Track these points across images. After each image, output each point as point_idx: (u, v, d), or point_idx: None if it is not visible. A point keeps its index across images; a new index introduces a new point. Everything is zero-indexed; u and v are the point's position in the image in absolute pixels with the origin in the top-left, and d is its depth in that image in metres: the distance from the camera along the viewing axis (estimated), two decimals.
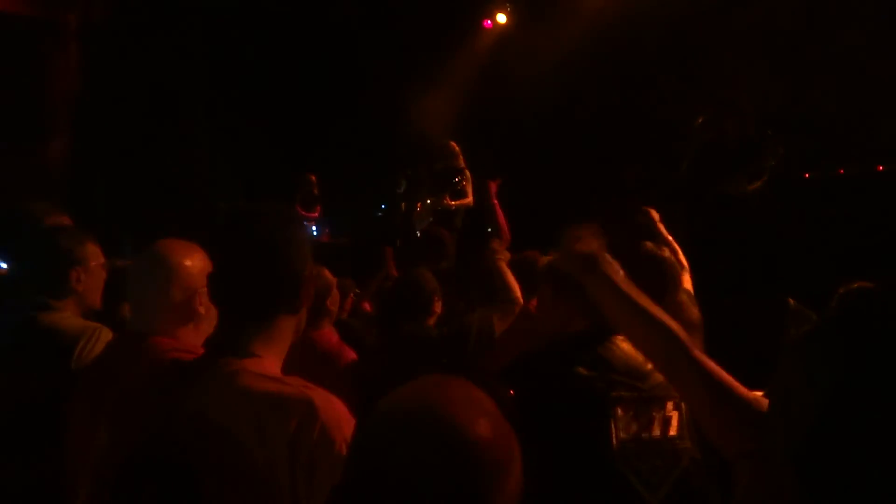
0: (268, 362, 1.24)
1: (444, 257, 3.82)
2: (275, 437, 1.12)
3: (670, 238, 3.18)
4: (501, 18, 8.71)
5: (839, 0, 6.17)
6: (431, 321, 2.96)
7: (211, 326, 1.67)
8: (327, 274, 2.97)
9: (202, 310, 1.64)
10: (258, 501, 1.10)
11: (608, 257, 1.49)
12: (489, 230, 4.01)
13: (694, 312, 2.78)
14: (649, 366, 1.77)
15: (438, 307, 3.00)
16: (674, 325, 1.35)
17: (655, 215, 3.31)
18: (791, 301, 2.97)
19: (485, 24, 8.83)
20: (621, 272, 1.67)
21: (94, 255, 2.12)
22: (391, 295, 3.07)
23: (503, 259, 3.18)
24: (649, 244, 2.87)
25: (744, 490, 1.06)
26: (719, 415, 1.23)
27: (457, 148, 6.59)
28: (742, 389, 1.24)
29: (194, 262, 1.64)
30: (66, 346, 1.88)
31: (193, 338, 1.64)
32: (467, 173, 6.61)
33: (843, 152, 6.21)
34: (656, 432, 1.72)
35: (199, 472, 1.14)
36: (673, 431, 1.78)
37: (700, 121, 4.83)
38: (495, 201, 3.96)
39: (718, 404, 1.22)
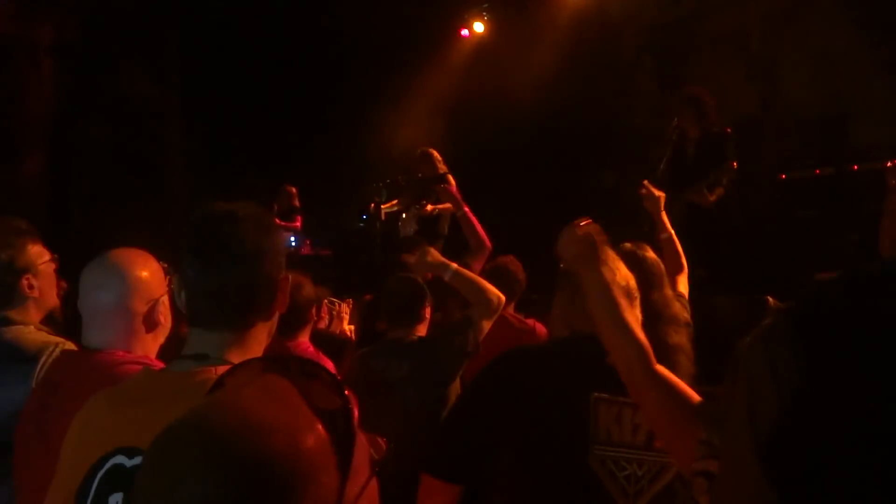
0: None
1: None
2: None
3: (671, 230, 3.01)
4: (478, 27, 8.74)
5: (814, 3, 6.24)
6: (422, 328, 2.93)
7: (164, 337, 1.63)
8: (311, 286, 2.93)
9: (162, 319, 1.60)
10: None
11: (611, 255, 1.55)
12: (470, 241, 3.81)
13: (681, 311, 2.76)
14: None
15: (429, 314, 2.96)
16: (643, 339, 1.43)
17: (662, 197, 3.02)
18: (770, 299, 2.96)
19: (461, 33, 8.85)
20: (620, 271, 1.66)
21: (39, 256, 2.04)
22: (381, 303, 3.03)
23: (450, 267, 3.02)
24: (629, 244, 2.84)
25: (712, 490, 1.04)
26: (672, 428, 1.25)
27: (437, 155, 6.57)
28: (697, 406, 1.27)
29: (150, 272, 1.59)
30: (28, 362, 1.83)
31: (150, 349, 1.59)
32: (450, 178, 6.59)
33: (819, 153, 6.27)
34: (640, 440, 1.70)
35: None
36: (659, 444, 1.75)
37: (674, 123, 4.85)
38: (466, 209, 3.77)
39: (672, 418, 1.25)
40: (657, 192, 2.99)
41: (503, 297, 2.89)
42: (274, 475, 0.70)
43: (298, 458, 0.72)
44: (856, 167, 5.80)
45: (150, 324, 1.59)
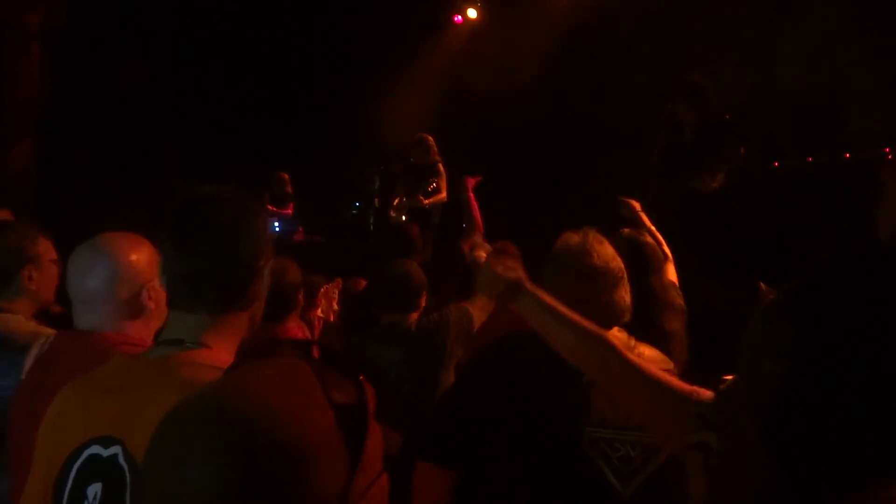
0: (218, 353, 1.19)
1: (413, 253, 3.79)
2: None
3: (653, 228, 3.19)
4: (472, 14, 8.71)
5: None
6: (415, 316, 2.93)
7: (161, 320, 1.61)
8: (296, 270, 2.92)
9: (151, 304, 1.58)
10: None
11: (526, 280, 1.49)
12: (464, 225, 3.99)
13: (676, 298, 2.80)
14: (636, 352, 1.76)
15: (424, 301, 2.97)
16: (603, 332, 1.39)
17: (637, 206, 3.33)
18: (762, 285, 2.98)
19: (455, 19, 8.82)
20: (600, 253, 1.66)
21: (46, 251, 2.04)
22: (378, 287, 3.03)
23: (483, 251, 3.16)
24: (627, 230, 2.87)
25: (715, 466, 1.05)
26: (658, 410, 1.24)
27: (432, 141, 6.56)
28: (679, 384, 1.26)
29: (140, 256, 1.57)
30: (19, 351, 1.81)
31: (143, 332, 1.58)
32: (441, 168, 6.58)
33: (812, 141, 6.28)
34: (633, 424, 1.70)
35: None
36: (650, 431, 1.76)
37: (667, 108, 4.84)
38: (471, 195, 3.95)
39: (656, 400, 1.24)
40: (632, 202, 3.29)
41: None
42: (284, 458, 0.70)
43: (309, 443, 0.71)
44: (849, 155, 5.81)
45: (137, 308, 1.57)
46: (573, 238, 1.89)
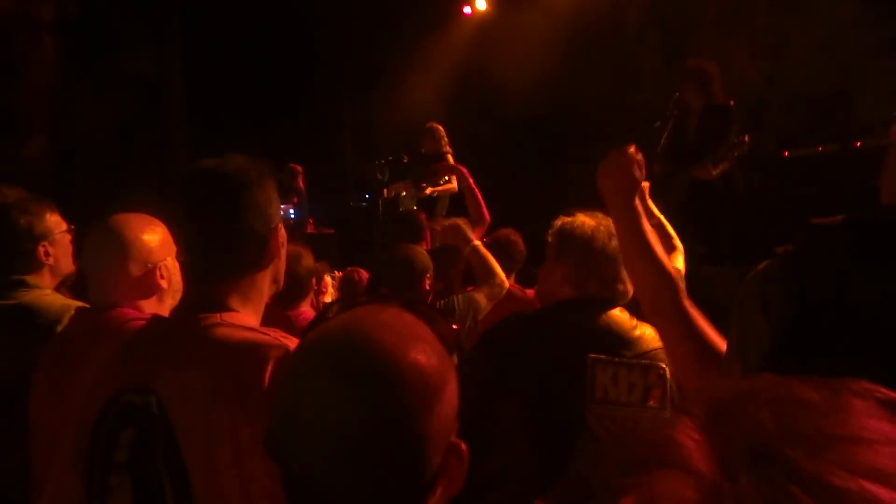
0: (245, 316, 1.25)
1: (420, 239, 3.79)
2: (252, 382, 1.12)
3: (661, 216, 3.13)
4: (481, 5, 8.68)
5: None
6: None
7: (175, 299, 1.65)
8: (310, 257, 2.97)
9: (164, 283, 1.62)
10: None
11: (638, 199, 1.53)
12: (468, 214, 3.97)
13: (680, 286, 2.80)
14: (636, 333, 1.79)
15: (428, 285, 2.98)
16: (674, 274, 1.42)
17: (646, 186, 3.20)
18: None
19: (464, 11, 8.80)
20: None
21: (57, 225, 2.08)
22: (380, 271, 3.06)
23: (472, 242, 3.12)
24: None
25: None
26: (693, 365, 1.24)
27: (442, 131, 6.55)
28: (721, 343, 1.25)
29: (152, 236, 1.62)
30: (48, 326, 1.86)
31: (157, 310, 1.61)
32: (450, 159, 6.58)
33: (823, 130, 6.24)
34: (635, 399, 1.74)
35: (176, 419, 1.14)
36: (654, 402, 1.78)
37: (675, 97, 4.83)
38: (471, 182, 3.94)
39: (698, 353, 1.24)
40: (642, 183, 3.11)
41: (506, 287, 2.97)
42: (416, 385, 0.76)
43: (433, 371, 0.78)
44: (859, 144, 5.77)
45: (150, 286, 1.62)
46: (586, 220, 1.94)
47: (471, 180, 3.93)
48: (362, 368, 0.75)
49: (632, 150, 1.58)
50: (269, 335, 1.20)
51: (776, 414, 0.35)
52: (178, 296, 1.59)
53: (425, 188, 6.39)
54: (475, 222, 3.78)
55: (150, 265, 1.61)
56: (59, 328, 1.79)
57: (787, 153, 6.20)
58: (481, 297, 2.96)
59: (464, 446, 0.81)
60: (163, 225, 1.64)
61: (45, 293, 2.00)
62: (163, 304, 1.64)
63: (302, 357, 0.80)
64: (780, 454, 0.32)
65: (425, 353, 0.78)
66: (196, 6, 8.39)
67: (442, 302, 2.96)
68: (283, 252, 1.34)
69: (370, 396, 0.74)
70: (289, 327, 2.64)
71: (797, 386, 0.37)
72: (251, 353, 1.16)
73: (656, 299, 1.39)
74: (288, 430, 0.77)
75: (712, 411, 0.37)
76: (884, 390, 0.37)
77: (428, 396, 0.76)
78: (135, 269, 1.60)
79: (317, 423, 0.75)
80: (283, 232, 1.33)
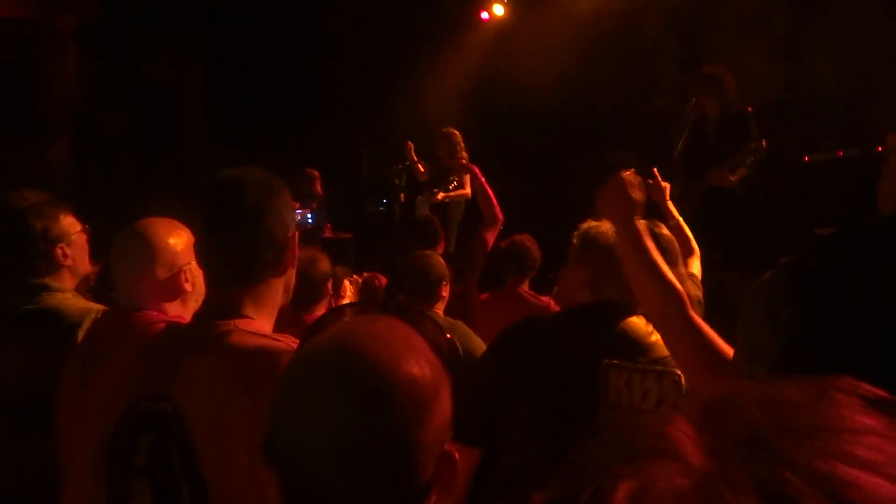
0: (258, 322, 1.28)
1: (434, 244, 3.80)
2: (264, 388, 1.14)
3: (680, 218, 3.06)
4: (498, 10, 8.69)
5: None
6: (440, 307, 2.93)
7: (198, 302, 1.67)
8: (326, 261, 2.98)
9: (188, 287, 1.65)
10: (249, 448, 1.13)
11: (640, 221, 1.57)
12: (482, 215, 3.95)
13: (693, 289, 2.77)
14: (652, 339, 1.78)
15: (446, 292, 2.97)
16: (680, 288, 1.44)
17: (667, 188, 3.12)
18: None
19: (481, 16, 8.81)
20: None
21: (72, 226, 2.10)
22: (398, 279, 3.05)
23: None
24: (644, 221, 2.84)
25: None
26: (709, 373, 1.25)
27: (458, 137, 6.56)
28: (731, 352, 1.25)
29: (178, 240, 1.65)
30: (70, 329, 1.88)
31: (181, 313, 1.64)
32: (465, 163, 6.58)
33: (843, 135, 6.19)
34: (649, 406, 1.73)
35: (192, 425, 1.17)
36: (668, 408, 1.77)
37: (692, 103, 4.81)
38: (483, 181, 3.92)
39: (709, 364, 1.25)
40: (663, 183, 3.04)
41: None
42: (408, 397, 0.77)
43: (425, 382, 0.78)
44: (880, 149, 5.71)
45: (175, 289, 1.64)
46: (611, 227, 1.94)
47: (482, 179, 3.91)
48: (355, 383, 0.76)
49: (629, 174, 1.60)
50: (281, 341, 1.23)
51: (765, 410, 0.37)
52: (202, 298, 1.62)
53: (437, 193, 6.40)
54: (488, 223, 3.78)
55: (175, 269, 1.64)
56: (80, 332, 1.81)
57: (807, 158, 6.15)
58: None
59: (457, 454, 0.81)
60: (187, 229, 1.67)
61: (67, 296, 2.02)
62: (186, 307, 1.67)
63: (295, 369, 0.81)
64: (769, 444, 0.35)
65: (418, 364, 0.78)
66: (216, 14, 8.47)
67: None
68: (296, 261, 1.37)
69: (363, 411, 0.75)
70: (303, 331, 2.65)
71: (785, 385, 0.40)
72: (263, 359, 1.18)
73: (664, 315, 1.42)
74: (282, 440, 0.78)
75: (705, 409, 0.39)
76: (867, 387, 0.39)
77: (420, 408, 0.77)
78: (161, 273, 1.63)
79: (310, 435, 0.76)
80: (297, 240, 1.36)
